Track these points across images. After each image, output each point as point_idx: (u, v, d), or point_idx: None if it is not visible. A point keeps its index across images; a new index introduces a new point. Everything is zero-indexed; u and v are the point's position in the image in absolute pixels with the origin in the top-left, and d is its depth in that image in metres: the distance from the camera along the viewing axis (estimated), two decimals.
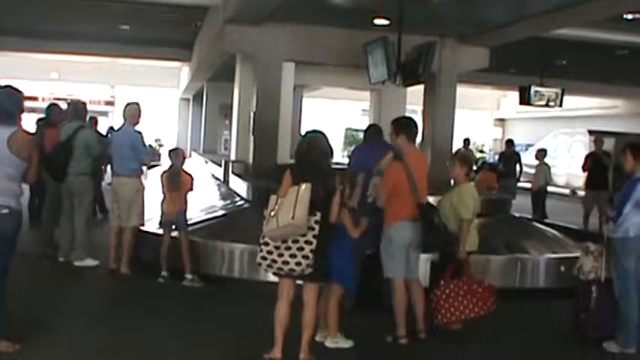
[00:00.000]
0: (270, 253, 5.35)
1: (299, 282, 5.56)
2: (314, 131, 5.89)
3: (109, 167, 10.10)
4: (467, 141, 20.79)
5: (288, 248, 5.29)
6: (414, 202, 6.34)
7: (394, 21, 11.26)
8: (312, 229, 5.29)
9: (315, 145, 5.65)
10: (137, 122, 8.78)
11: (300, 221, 5.20)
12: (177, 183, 8.46)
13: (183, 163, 8.71)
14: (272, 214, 5.28)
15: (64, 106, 10.31)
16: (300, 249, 5.27)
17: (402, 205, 6.34)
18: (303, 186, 5.26)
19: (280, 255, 5.31)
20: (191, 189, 8.58)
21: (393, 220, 6.38)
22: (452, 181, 7.13)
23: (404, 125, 6.66)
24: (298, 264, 5.27)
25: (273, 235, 5.30)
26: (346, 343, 6.17)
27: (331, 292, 6.14)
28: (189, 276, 8.27)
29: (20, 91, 5.68)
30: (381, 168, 6.62)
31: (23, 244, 6.04)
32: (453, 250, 6.66)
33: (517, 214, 12.56)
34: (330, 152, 5.75)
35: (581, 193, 16.38)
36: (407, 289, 6.44)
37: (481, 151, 36.00)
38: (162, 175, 8.64)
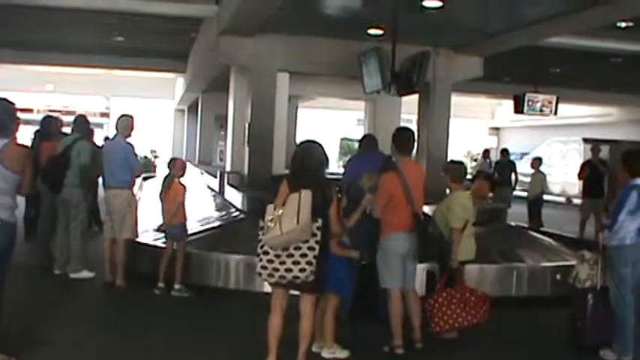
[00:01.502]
0: (270, 262, 5.28)
1: (294, 292, 5.53)
2: (309, 141, 5.88)
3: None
4: (487, 152, 20.69)
5: (291, 255, 5.22)
6: (410, 212, 6.34)
7: (388, 31, 11.29)
8: (315, 235, 5.25)
9: (310, 154, 5.62)
10: (130, 134, 8.76)
11: (305, 225, 5.16)
12: (165, 192, 8.45)
13: (181, 174, 8.66)
14: (272, 222, 5.21)
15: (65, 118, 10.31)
16: (304, 255, 5.21)
17: (397, 215, 6.34)
18: (304, 192, 5.23)
19: (282, 263, 5.23)
20: (183, 199, 8.50)
21: (389, 230, 6.37)
22: (447, 190, 7.15)
23: (401, 136, 6.68)
24: (302, 270, 5.20)
25: (276, 242, 5.21)
26: (343, 354, 6.15)
27: (327, 302, 6.14)
28: (177, 286, 8.27)
29: (13, 103, 5.66)
30: (369, 184, 6.62)
31: (19, 257, 6.01)
32: (448, 259, 6.66)
33: (513, 223, 12.59)
34: (325, 161, 5.73)
35: (577, 201, 16.40)
36: (403, 299, 6.44)
37: (475, 160, 36.04)
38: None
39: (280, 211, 5.24)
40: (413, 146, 6.85)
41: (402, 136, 6.72)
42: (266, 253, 5.30)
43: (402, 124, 13.69)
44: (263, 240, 5.30)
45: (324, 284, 5.58)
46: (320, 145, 5.78)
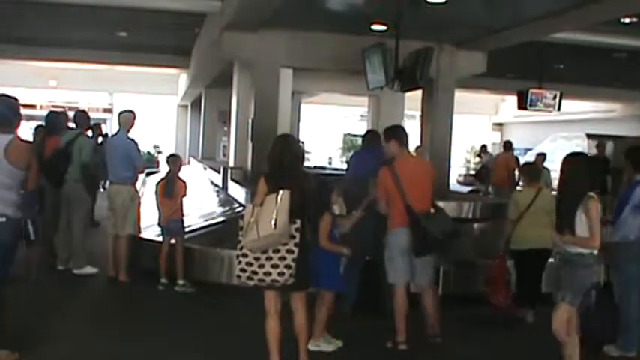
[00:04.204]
0: (249, 264, 5.18)
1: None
2: (284, 135, 5.83)
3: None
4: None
5: (269, 258, 5.13)
6: (406, 207, 6.32)
7: (391, 26, 11.27)
8: (293, 237, 5.15)
9: (286, 149, 5.47)
10: (129, 129, 8.74)
11: (282, 230, 5.06)
12: (171, 190, 8.47)
13: (179, 170, 8.70)
14: (250, 224, 5.14)
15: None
16: (282, 258, 5.12)
17: (397, 211, 6.34)
18: (282, 193, 5.10)
19: (261, 266, 5.14)
20: (184, 195, 8.58)
21: (392, 226, 6.39)
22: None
23: (392, 132, 6.68)
24: (281, 274, 5.12)
25: (254, 245, 5.13)
26: (329, 347, 6.19)
27: (322, 299, 6.14)
28: (180, 281, 8.31)
29: (17, 99, 5.66)
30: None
31: (22, 252, 6.02)
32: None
33: None
34: (302, 155, 5.67)
35: None
36: (422, 297, 6.48)
37: (479, 156, 36.00)
38: (158, 183, 8.65)
39: (258, 212, 5.16)
40: (406, 141, 6.77)
41: (396, 132, 6.71)
42: (244, 255, 5.21)
43: (406, 120, 13.71)
44: (242, 242, 5.22)
45: (309, 280, 5.49)
46: (295, 138, 5.74)
